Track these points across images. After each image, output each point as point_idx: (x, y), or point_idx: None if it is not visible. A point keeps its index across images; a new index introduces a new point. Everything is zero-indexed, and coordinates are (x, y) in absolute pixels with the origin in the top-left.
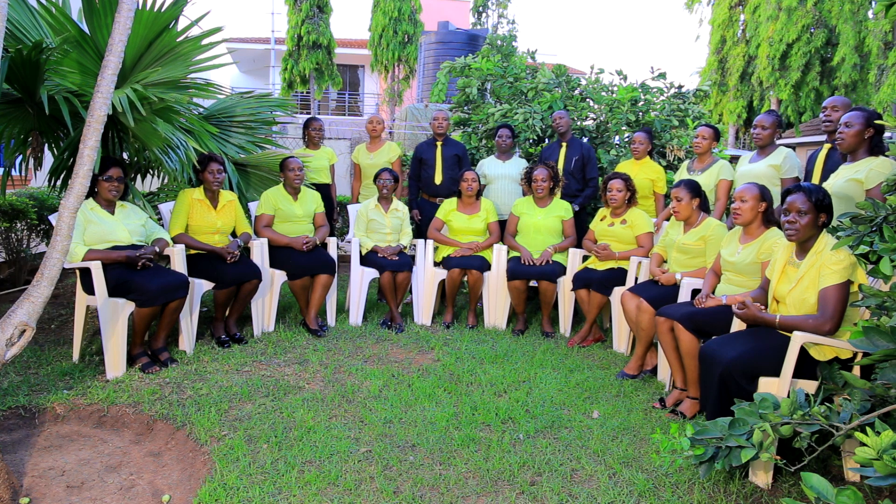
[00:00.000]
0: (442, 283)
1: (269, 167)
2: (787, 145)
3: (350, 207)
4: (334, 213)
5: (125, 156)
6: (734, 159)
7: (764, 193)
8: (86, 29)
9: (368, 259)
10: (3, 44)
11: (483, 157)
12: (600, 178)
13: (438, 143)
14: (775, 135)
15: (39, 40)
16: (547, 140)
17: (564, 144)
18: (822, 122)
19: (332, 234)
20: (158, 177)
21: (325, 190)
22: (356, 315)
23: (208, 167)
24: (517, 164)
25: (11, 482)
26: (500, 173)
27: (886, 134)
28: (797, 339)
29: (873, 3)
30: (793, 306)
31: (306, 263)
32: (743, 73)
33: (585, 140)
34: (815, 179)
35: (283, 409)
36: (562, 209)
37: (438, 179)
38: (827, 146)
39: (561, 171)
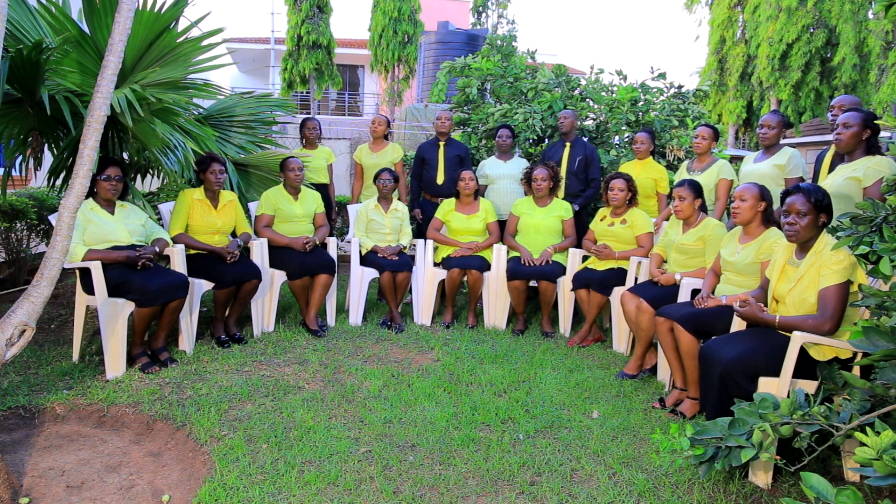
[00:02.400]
0: (442, 283)
1: (269, 167)
2: (787, 145)
3: (350, 207)
4: (332, 213)
5: (125, 156)
6: (734, 159)
7: (763, 193)
8: (86, 29)
9: (368, 259)
10: (3, 44)
11: (483, 157)
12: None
13: (441, 143)
14: (781, 135)
15: (39, 40)
16: (547, 140)
17: (568, 144)
18: (830, 121)
19: (331, 234)
20: (158, 177)
21: (323, 190)
22: (356, 315)
23: (210, 167)
24: (518, 164)
25: (11, 482)
26: (502, 173)
27: (886, 134)
28: (797, 339)
29: (873, 3)
30: (792, 306)
31: (306, 263)
32: (742, 73)
33: (586, 140)
34: (822, 178)
35: (283, 409)
36: (562, 209)
37: (440, 179)
38: (835, 146)
39: (564, 172)
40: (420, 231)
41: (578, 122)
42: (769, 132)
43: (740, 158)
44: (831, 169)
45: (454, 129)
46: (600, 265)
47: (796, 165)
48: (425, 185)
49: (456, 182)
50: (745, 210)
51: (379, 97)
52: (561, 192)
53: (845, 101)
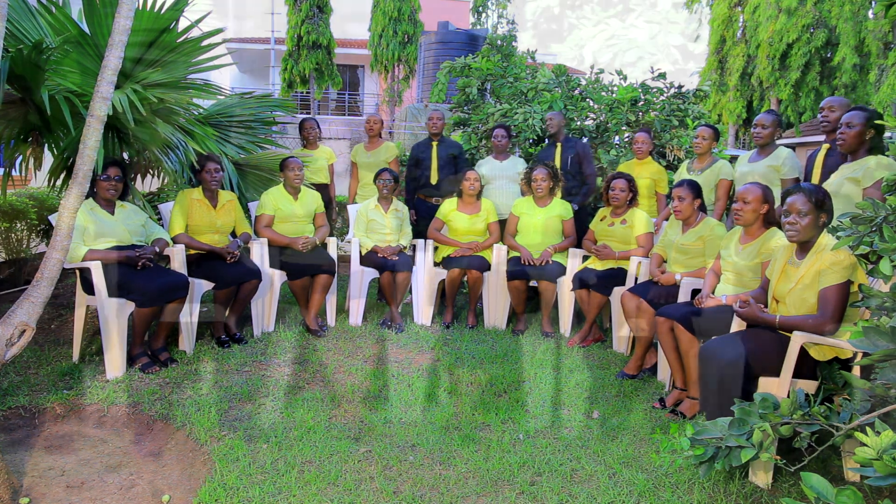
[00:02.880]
0: (442, 283)
1: (269, 167)
2: (787, 145)
3: (350, 207)
4: (332, 213)
5: (125, 156)
6: (734, 159)
7: (766, 195)
8: (86, 29)
9: (368, 259)
10: (3, 44)
11: (483, 157)
12: (600, 179)
13: (434, 143)
14: (775, 134)
15: (39, 40)
16: (547, 140)
17: (559, 145)
18: (820, 122)
19: (331, 234)
20: (158, 177)
21: (323, 190)
22: (356, 315)
23: (206, 167)
24: (514, 164)
25: (11, 482)
26: (498, 173)
27: (886, 133)
28: (797, 339)
29: (873, 3)
30: (792, 306)
31: (306, 263)
32: (743, 73)
33: (585, 140)
34: (815, 179)
35: (283, 409)
36: (562, 209)
37: (434, 179)
38: (826, 146)
39: None
40: (416, 231)
41: (579, 122)
42: (763, 131)
43: None
44: (824, 168)
45: (454, 130)
46: (600, 265)
47: (792, 167)
48: (419, 185)
49: (450, 181)
50: (748, 213)
51: (379, 97)
52: (558, 192)
53: (835, 103)
